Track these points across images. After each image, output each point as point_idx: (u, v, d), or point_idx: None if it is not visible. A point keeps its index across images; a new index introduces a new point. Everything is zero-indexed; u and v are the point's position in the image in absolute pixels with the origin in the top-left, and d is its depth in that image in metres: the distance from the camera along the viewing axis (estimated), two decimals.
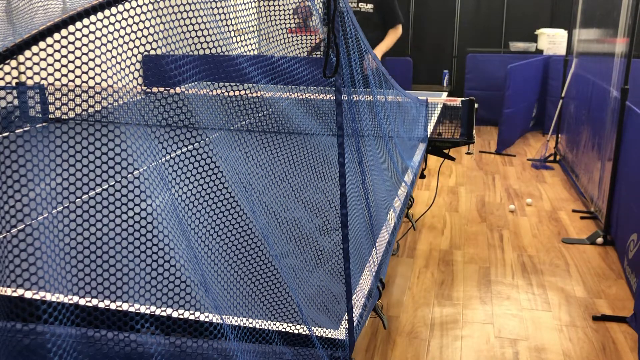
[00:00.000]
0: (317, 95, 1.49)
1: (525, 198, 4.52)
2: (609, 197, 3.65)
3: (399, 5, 4.30)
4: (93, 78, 0.98)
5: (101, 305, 1.40)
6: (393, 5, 4.22)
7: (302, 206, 1.71)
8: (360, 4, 4.18)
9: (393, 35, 4.22)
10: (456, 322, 2.77)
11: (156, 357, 1.22)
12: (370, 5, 4.18)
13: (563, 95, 5.48)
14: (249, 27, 1.27)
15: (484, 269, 3.34)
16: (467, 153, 5.81)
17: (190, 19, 1.11)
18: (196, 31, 1.12)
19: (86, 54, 0.94)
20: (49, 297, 1.39)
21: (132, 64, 1.03)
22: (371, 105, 1.87)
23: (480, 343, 2.59)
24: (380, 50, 4.16)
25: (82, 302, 1.40)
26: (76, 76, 0.94)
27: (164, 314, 1.36)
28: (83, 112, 1.04)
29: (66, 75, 0.93)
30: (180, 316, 1.36)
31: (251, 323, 1.37)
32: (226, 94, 1.36)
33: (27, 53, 0.90)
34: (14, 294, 1.40)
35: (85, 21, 0.94)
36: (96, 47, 0.95)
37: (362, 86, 1.66)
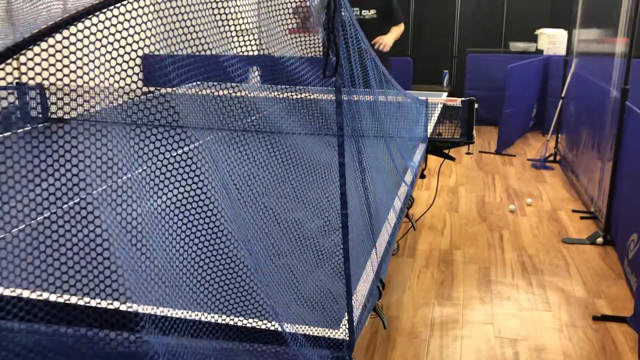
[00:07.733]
0: (317, 95, 1.50)
1: (525, 198, 4.52)
2: (609, 197, 3.65)
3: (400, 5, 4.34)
4: (93, 79, 0.98)
5: (100, 304, 1.40)
6: (395, 6, 4.24)
7: (302, 207, 1.71)
8: (363, 11, 4.18)
9: (397, 30, 4.25)
10: (456, 322, 2.77)
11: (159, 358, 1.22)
12: (372, 11, 4.19)
13: (563, 95, 5.48)
14: (249, 27, 1.27)
15: (484, 269, 3.34)
16: (467, 153, 5.81)
17: (191, 20, 1.11)
18: (196, 32, 1.12)
19: (87, 55, 0.95)
20: (49, 297, 1.39)
21: (131, 67, 1.03)
22: (371, 105, 1.87)
23: (480, 343, 2.59)
24: (391, 37, 4.15)
25: (83, 301, 1.40)
26: (77, 77, 0.94)
27: (160, 313, 1.36)
28: (84, 112, 1.04)
29: (66, 76, 0.93)
30: (180, 316, 1.36)
31: (250, 323, 1.37)
32: (225, 93, 1.36)
33: (28, 53, 0.91)
34: (16, 294, 1.40)
35: (86, 22, 0.94)
36: (96, 49, 0.95)
37: (362, 86, 1.66)
